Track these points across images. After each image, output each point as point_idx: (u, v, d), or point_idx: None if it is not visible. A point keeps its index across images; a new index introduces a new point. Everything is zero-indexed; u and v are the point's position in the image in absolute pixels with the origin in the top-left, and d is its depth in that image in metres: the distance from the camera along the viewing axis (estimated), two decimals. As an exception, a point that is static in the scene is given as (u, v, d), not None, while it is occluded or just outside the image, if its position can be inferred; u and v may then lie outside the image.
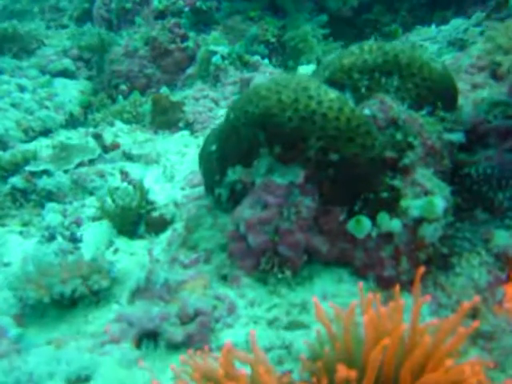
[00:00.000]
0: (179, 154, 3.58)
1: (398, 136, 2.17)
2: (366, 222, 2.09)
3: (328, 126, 2.06)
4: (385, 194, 2.11)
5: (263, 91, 2.16)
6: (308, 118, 2.06)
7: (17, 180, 3.17)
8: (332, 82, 2.35)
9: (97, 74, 6.18)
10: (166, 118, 4.40)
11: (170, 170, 3.25)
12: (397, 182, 2.13)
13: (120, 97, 5.41)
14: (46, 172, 3.20)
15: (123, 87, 5.73)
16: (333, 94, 2.13)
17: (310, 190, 2.15)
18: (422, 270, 1.79)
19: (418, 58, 2.38)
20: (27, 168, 3.24)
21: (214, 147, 2.36)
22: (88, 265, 2.41)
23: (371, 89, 2.32)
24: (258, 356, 1.70)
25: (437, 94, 2.37)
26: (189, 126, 4.36)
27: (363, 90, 2.32)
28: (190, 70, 5.46)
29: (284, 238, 2.16)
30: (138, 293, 2.19)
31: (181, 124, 4.37)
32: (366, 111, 2.17)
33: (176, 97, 4.64)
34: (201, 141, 3.43)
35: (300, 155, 2.10)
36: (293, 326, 2.08)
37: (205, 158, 2.50)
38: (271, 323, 2.11)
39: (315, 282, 2.24)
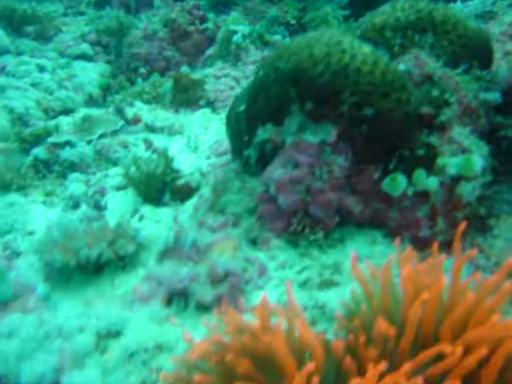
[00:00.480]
0: (202, 126, 3.53)
1: (434, 92, 2.09)
2: (401, 180, 2.02)
3: (362, 81, 1.99)
4: (421, 152, 2.04)
5: (294, 46, 2.10)
6: (340, 72, 2.00)
7: (39, 151, 3.13)
8: (363, 41, 2.27)
9: (115, 59, 6.15)
10: (187, 97, 4.35)
11: (194, 140, 3.20)
12: (433, 140, 2.06)
13: (139, 79, 5.37)
14: (68, 143, 3.17)
15: (142, 70, 5.68)
16: (367, 48, 2.06)
17: (342, 149, 2.08)
18: (463, 224, 1.72)
19: (452, 15, 2.31)
20: (49, 139, 3.21)
21: (242, 107, 2.30)
22: (113, 230, 2.37)
23: (405, 46, 2.25)
24: (294, 308, 1.64)
25: (472, 51, 2.29)
26: (210, 104, 4.30)
27: (396, 48, 2.25)
28: (210, 51, 5.41)
29: (316, 197, 2.10)
30: (166, 253, 2.13)
31: (202, 102, 4.32)
32: (401, 66, 2.10)
33: (197, 75, 4.59)
34: (223, 117, 3.37)
35: (332, 111, 2.04)
36: (326, 287, 2.02)
37: (232, 119, 2.44)
38: (303, 285, 2.05)
39: (347, 244, 2.17)
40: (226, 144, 2.85)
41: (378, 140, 2.04)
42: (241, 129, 2.34)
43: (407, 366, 1.46)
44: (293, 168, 2.12)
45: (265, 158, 2.27)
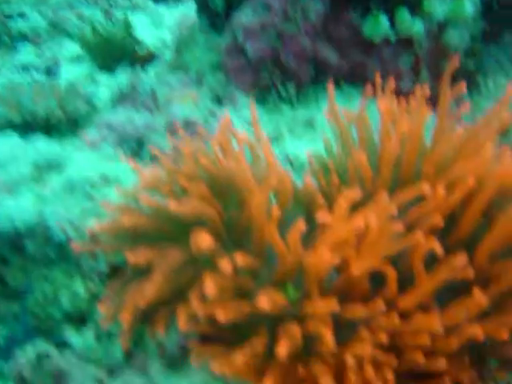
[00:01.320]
0: (170, 8, 3.26)
1: None
2: (383, 20, 1.81)
3: None
4: (406, -10, 1.83)
5: None
6: None
7: (-14, 22, 2.84)
8: None
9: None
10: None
11: (159, 18, 2.94)
12: (419, -20, 1.85)
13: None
14: (20, 14, 2.88)
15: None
16: None
17: (318, -10, 1.86)
18: (456, 60, 1.55)
19: None
20: (-2, 10, 2.91)
21: None
22: (64, 89, 2.13)
23: None
24: (259, 133, 1.44)
25: None
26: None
27: None
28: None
29: (288, 44, 1.88)
30: (120, 100, 1.91)
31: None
32: None
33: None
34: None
35: None
36: (297, 141, 1.83)
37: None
38: (273, 140, 1.85)
39: (321, 101, 1.98)
40: (193, 17, 2.60)
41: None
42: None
43: (383, 195, 1.29)
44: (263, 12, 1.90)
45: (233, 7, 2.03)
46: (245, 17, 1.91)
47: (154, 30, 2.83)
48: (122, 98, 1.90)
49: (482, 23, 2.02)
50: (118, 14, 2.89)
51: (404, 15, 1.80)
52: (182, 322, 1.15)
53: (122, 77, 2.31)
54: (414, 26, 1.82)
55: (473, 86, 1.93)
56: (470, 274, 1.21)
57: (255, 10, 1.90)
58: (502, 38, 2.10)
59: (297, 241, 1.18)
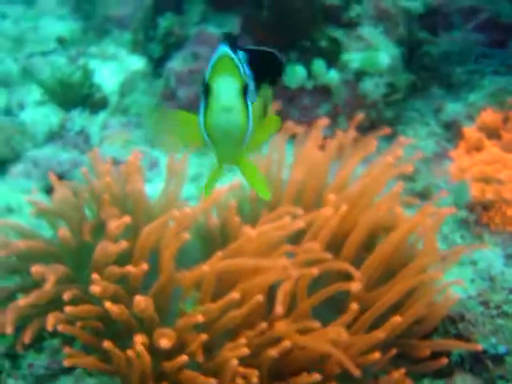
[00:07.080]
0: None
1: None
2: (299, 69, 1.91)
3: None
4: (323, 43, 1.93)
5: None
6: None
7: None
8: None
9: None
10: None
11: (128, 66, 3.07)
12: (339, 34, 1.95)
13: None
14: (-6, 58, 3.04)
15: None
16: None
17: (244, 41, 1.97)
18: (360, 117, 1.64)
19: None
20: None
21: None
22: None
23: None
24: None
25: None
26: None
27: None
28: None
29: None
30: (49, 139, 2.01)
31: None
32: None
33: None
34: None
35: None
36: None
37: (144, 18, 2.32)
38: (194, 179, 1.94)
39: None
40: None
41: (278, 28, 1.93)
42: (148, 23, 2.22)
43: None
44: (193, 60, 2.01)
45: (170, 53, 2.15)
46: (176, 64, 2.03)
47: (119, 77, 2.95)
48: (51, 137, 2.00)
49: (408, 76, 2.11)
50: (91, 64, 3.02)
51: (319, 65, 1.89)
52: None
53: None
54: (330, 75, 1.91)
55: (392, 135, 1.99)
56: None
57: (186, 58, 2.02)
58: (430, 91, 2.17)
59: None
